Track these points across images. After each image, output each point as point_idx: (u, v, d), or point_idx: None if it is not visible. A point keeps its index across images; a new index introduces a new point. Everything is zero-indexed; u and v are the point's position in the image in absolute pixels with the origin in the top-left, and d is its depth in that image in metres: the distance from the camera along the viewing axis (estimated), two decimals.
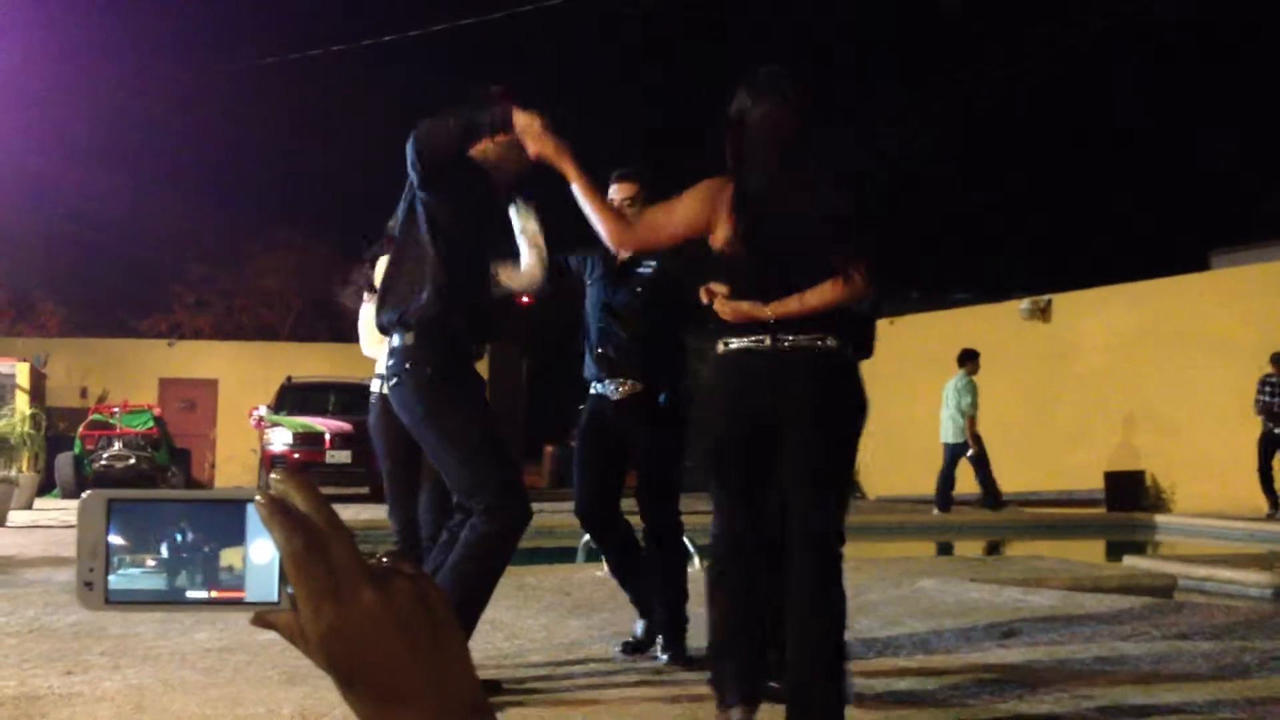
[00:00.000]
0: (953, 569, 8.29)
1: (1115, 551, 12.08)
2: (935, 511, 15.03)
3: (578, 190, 3.86)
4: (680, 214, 3.84)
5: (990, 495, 15.08)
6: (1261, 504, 14.14)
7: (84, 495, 0.77)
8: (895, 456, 18.03)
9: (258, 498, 0.75)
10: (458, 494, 4.30)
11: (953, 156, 31.75)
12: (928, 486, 16.45)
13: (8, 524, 12.68)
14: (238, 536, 0.76)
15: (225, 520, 0.77)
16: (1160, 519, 14.92)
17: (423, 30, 19.52)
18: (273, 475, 0.78)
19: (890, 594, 7.00)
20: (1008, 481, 17.71)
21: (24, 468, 14.90)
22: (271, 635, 0.77)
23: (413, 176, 4.26)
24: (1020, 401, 18.15)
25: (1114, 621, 6.19)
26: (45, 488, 17.80)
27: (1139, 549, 12.22)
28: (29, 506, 15.37)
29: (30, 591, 7.13)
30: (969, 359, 15.21)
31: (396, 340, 4.33)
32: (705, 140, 4.39)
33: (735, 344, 3.78)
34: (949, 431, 15.16)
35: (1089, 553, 12.21)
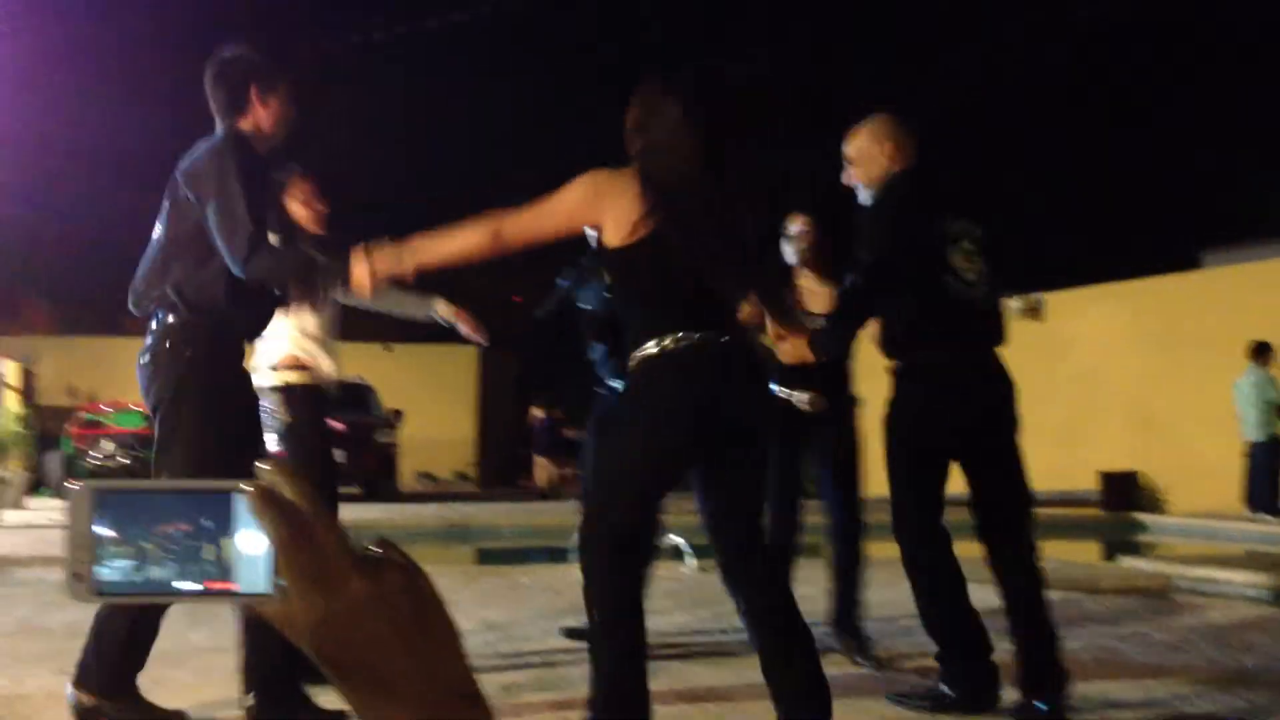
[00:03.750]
0: None
1: (1111, 552, 12.09)
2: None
3: (439, 258, 3.57)
4: (562, 209, 3.48)
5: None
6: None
7: (72, 486, 0.76)
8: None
9: (245, 487, 0.74)
10: None
11: (942, 155, 31.81)
12: None
13: None
14: (227, 526, 0.75)
15: (214, 510, 0.76)
16: (1155, 519, 14.93)
17: (418, 29, 19.49)
18: (260, 465, 0.77)
19: (886, 594, 6.96)
20: None
21: (14, 467, 14.85)
22: None
23: None
24: None
25: (1111, 622, 6.17)
26: (35, 487, 17.75)
27: (1134, 549, 12.22)
28: (19, 506, 15.33)
29: (22, 591, 7.10)
30: (1263, 351, 13.98)
31: None
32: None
33: None
34: (1254, 428, 13.95)
35: (1084, 553, 12.21)
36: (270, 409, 4.69)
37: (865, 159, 4.37)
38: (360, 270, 3.58)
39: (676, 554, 8.40)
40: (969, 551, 4.37)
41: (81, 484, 0.76)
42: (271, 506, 0.73)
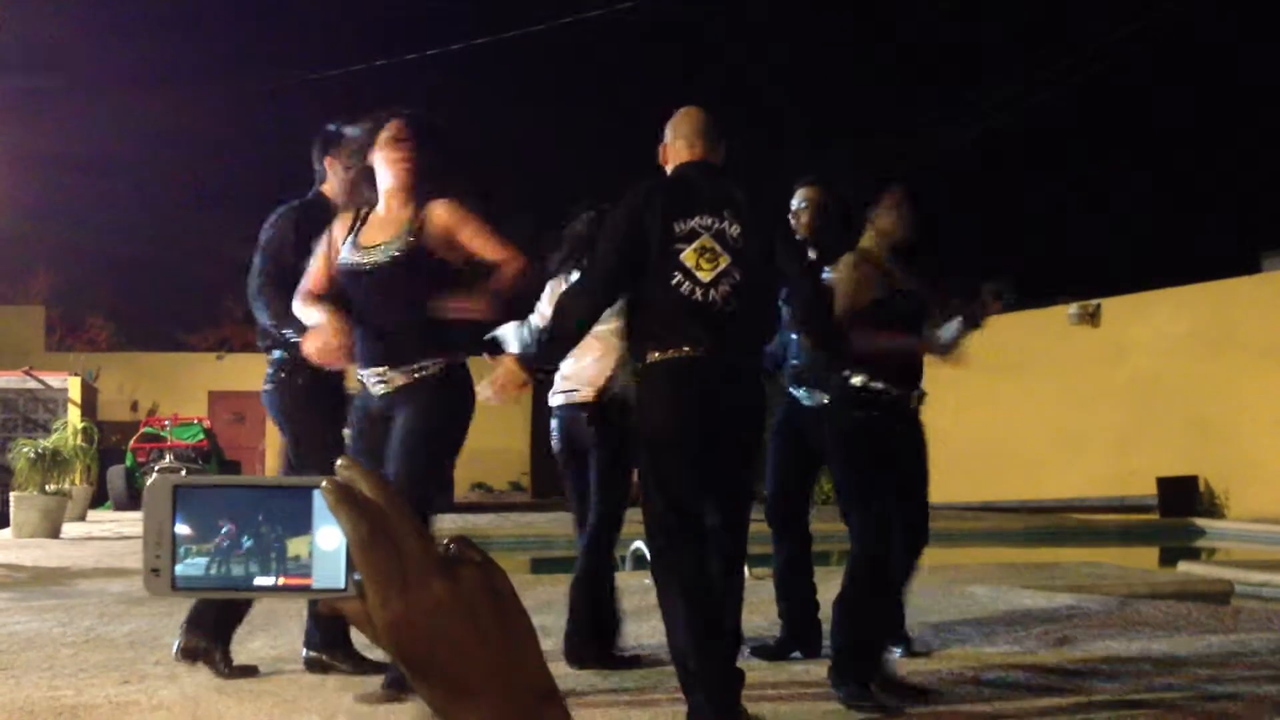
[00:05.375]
0: (1004, 575, 8.22)
1: (1169, 558, 11.95)
2: None
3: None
4: None
5: None
6: None
7: (150, 481, 0.75)
8: (943, 463, 17.93)
9: (324, 483, 0.73)
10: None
11: (997, 159, 31.58)
12: (978, 493, 16.34)
13: (62, 536, 12.81)
14: (305, 523, 0.75)
15: (292, 507, 0.75)
16: (1214, 524, 14.75)
17: (465, 43, 19.63)
18: (338, 462, 0.76)
19: (941, 600, 6.94)
20: (1059, 488, 17.57)
21: (76, 481, 15.05)
22: None
23: None
24: (1070, 407, 17.99)
25: (1170, 628, 6.11)
26: (98, 500, 17.99)
27: (1193, 555, 12.07)
28: (82, 519, 15.52)
29: (86, 602, 7.20)
30: None
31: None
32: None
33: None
34: None
35: (1142, 559, 12.08)
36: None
37: (666, 151, 4.30)
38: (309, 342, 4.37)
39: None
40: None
41: (160, 478, 0.75)
42: (349, 503, 0.73)
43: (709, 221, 4.06)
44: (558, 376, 5.33)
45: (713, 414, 4.05)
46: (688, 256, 4.03)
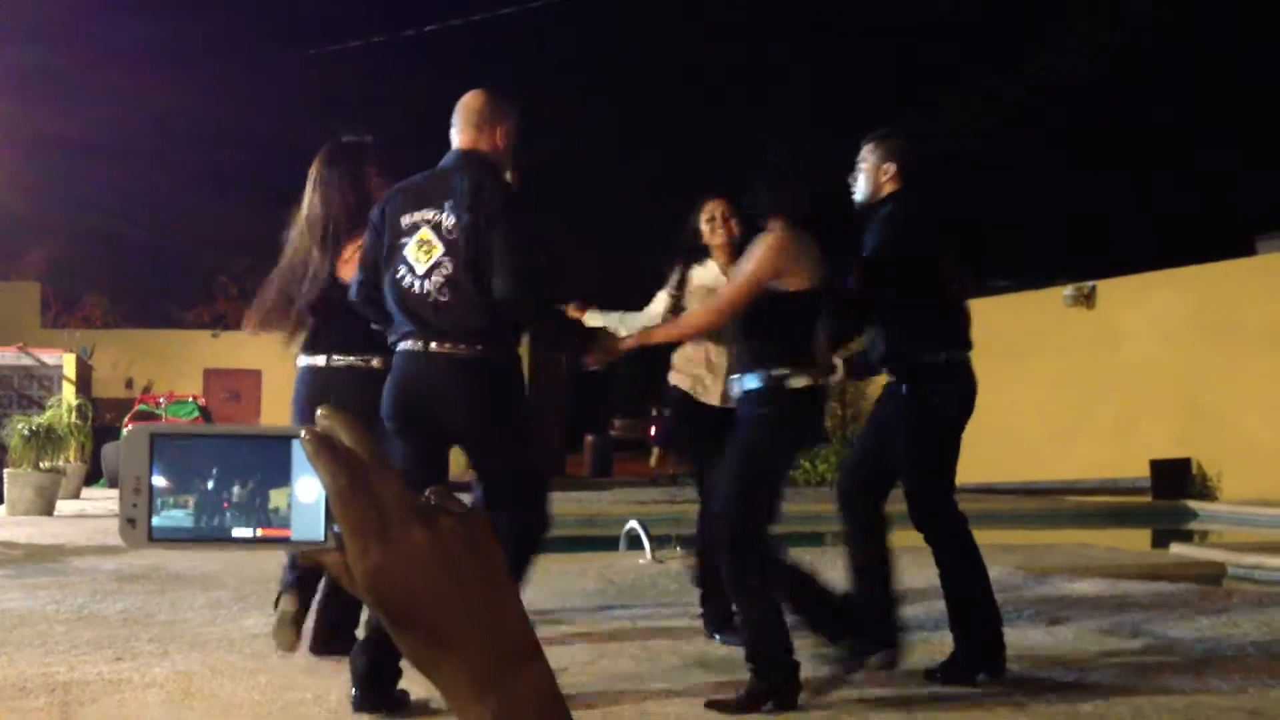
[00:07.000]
0: (998, 557, 8.21)
1: (1162, 540, 11.98)
2: None
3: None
4: None
5: None
6: None
7: (127, 430, 0.74)
8: None
9: (303, 433, 0.73)
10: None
11: (994, 142, 31.56)
12: (971, 475, 16.31)
13: (56, 513, 12.82)
14: (284, 474, 0.74)
15: (271, 457, 0.74)
16: (1207, 507, 14.78)
17: (464, 19, 19.58)
18: (319, 411, 0.75)
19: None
20: (1052, 470, 17.60)
21: (71, 458, 15.03)
22: None
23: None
24: (1064, 389, 18.02)
25: (1162, 609, 6.13)
26: (92, 478, 17.98)
27: (1186, 537, 12.11)
28: (76, 496, 15.51)
29: (79, 579, 7.20)
30: None
31: None
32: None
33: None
34: None
35: (1135, 541, 12.11)
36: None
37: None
38: None
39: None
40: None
41: (138, 427, 0.74)
42: (329, 453, 0.72)
43: (430, 214, 4.13)
44: None
45: (422, 403, 4.12)
46: (409, 250, 4.14)
